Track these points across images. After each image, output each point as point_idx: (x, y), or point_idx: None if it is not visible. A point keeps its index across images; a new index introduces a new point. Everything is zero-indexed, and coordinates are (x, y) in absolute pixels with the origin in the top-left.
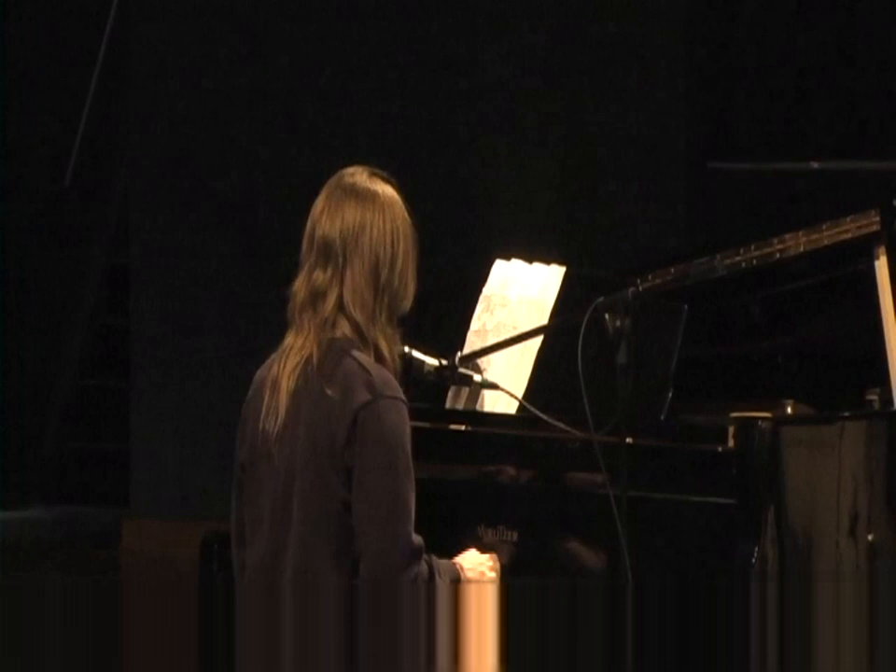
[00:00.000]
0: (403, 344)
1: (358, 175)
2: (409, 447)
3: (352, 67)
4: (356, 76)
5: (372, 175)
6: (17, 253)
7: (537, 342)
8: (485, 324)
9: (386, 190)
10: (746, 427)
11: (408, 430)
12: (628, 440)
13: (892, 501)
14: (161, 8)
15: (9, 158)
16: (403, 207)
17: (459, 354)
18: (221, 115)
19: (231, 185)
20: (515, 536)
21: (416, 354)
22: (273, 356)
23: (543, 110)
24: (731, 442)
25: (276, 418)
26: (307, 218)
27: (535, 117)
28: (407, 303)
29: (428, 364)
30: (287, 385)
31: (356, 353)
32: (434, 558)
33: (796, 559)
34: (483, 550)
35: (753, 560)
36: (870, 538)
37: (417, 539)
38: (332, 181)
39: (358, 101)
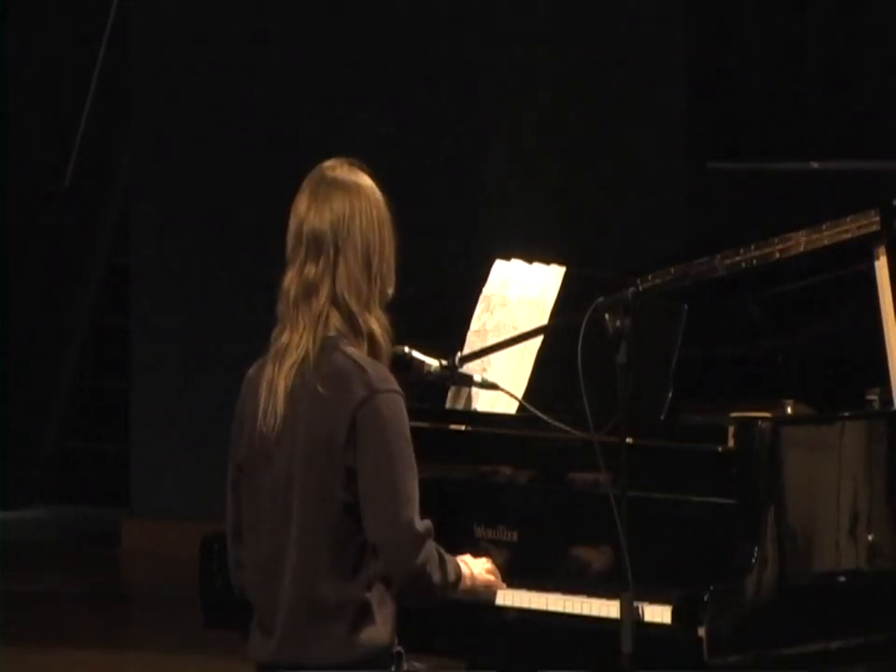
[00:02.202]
0: (403, 344)
1: (339, 168)
2: (409, 436)
3: (352, 67)
4: (356, 75)
5: (351, 165)
6: (17, 253)
7: (537, 342)
8: (485, 324)
9: (367, 180)
10: (746, 426)
11: (406, 420)
12: (628, 440)
13: (892, 501)
14: (161, 8)
15: (9, 158)
16: (382, 198)
17: (459, 354)
18: (221, 115)
19: (231, 185)
20: (515, 536)
21: (416, 354)
22: (264, 356)
23: (544, 110)
24: (731, 442)
25: (275, 419)
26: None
27: (535, 117)
28: (391, 290)
29: (428, 364)
30: (283, 385)
31: (349, 350)
32: (446, 554)
33: (796, 559)
34: (476, 554)
35: (753, 560)
36: (870, 538)
37: (423, 524)
38: (314, 176)
39: (359, 100)
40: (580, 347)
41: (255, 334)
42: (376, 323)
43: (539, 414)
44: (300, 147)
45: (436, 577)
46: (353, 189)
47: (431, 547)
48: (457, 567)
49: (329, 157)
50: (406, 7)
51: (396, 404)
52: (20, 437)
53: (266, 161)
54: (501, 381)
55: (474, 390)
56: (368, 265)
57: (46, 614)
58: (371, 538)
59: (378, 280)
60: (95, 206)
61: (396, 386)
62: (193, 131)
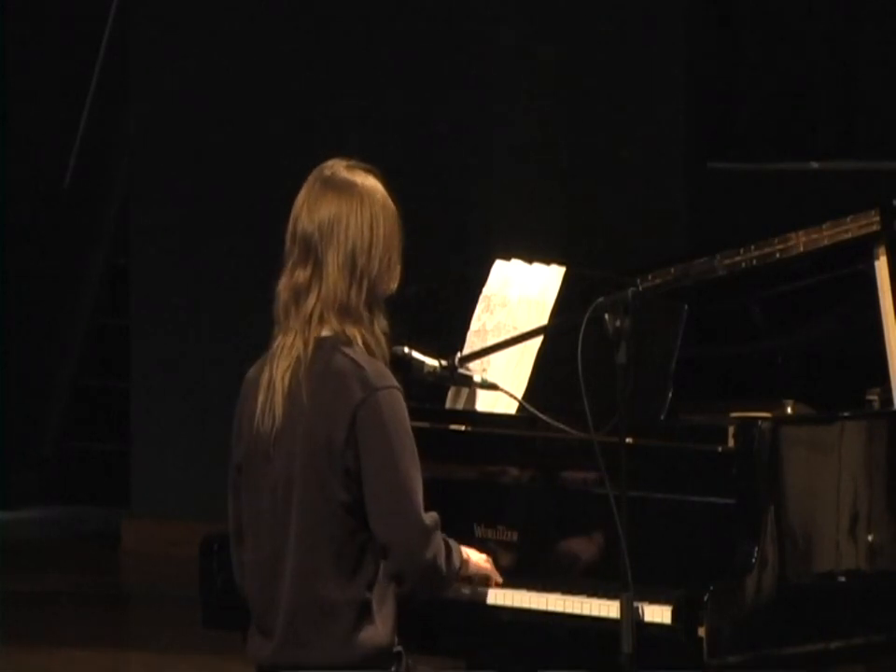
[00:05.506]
0: (403, 345)
1: (336, 167)
2: (409, 430)
3: (353, 67)
4: (357, 75)
5: (349, 166)
6: (17, 253)
7: (537, 342)
8: (485, 324)
9: (366, 181)
10: (746, 426)
11: (406, 415)
12: (628, 440)
13: (892, 501)
14: (161, 8)
15: (10, 158)
16: (385, 195)
17: (459, 354)
18: (221, 115)
19: (231, 185)
20: (515, 536)
21: (416, 354)
22: (262, 357)
23: (544, 110)
24: (731, 442)
25: (273, 419)
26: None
27: (535, 116)
28: (393, 285)
29: (428, 364)
30: (281, 385)
31: (345, 349)
32: (450, 540)
33: (796, 559)
34: (480, 550)
35: (753, 560)
36: (870, 538)
37: (429, 517)
38: (312, 176)
39: (359, 101)
40: (580, 347)
41: (254, 334)
42: (361, 328)
43: (539, 414)
44: (299, 147)
45: (445, 568)
46: (345, 190)
47: (439, 539)
48: (460, 553)
49: (329, 157)
50: (406, 9)
51: (395, 400)
52: (20, 437)
53: (266, 161)
54: (501, 381)
55: (474, 390)
56: (351, 267)
57: (46, 614)
58: (378, 537)
59: (364, 280)
60: (95, 206)
61: (394, 382)
62: (193, 131)
